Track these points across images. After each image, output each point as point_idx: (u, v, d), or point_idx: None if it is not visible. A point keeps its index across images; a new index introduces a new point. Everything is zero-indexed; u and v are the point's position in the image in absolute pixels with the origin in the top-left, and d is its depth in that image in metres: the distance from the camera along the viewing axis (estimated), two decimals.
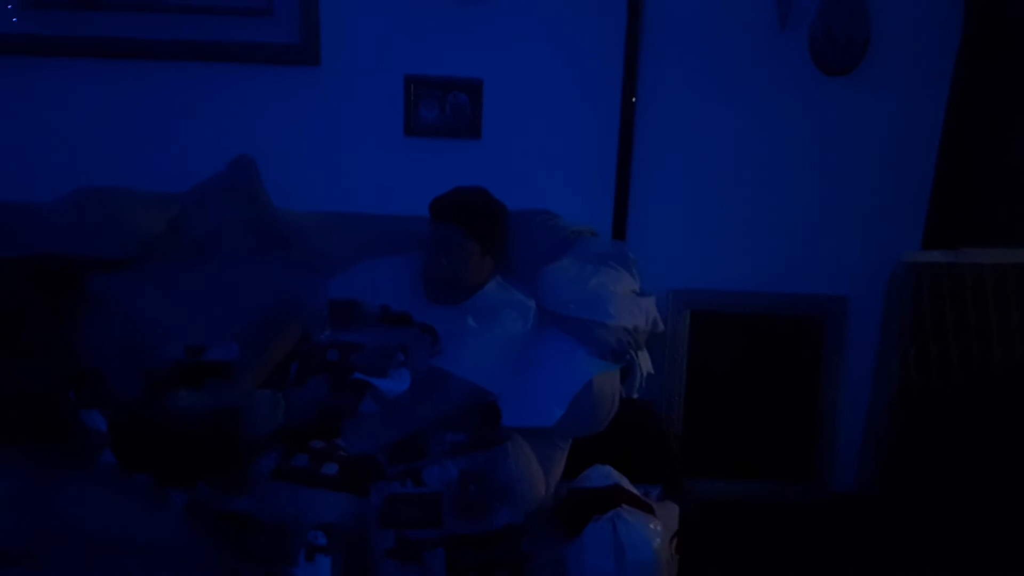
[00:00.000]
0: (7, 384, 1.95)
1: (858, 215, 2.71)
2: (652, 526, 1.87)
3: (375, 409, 2.01)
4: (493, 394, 2.00)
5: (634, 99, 2.59)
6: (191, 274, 2.33)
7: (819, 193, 2.69)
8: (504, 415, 1.97)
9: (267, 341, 2.15)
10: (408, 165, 2.66)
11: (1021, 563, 2.53)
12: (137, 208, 2.45)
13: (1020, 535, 2.61)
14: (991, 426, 2.72)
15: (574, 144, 2.66)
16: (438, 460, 1.87)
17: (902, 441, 2.75)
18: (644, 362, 2.25)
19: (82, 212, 2.41)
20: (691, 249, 2.74)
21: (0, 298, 2.17)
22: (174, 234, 2.45)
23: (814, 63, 2.57)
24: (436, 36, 2.59)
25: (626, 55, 2.56)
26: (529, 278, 2.26)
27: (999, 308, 2.70)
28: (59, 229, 2.34)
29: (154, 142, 2.64)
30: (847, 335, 2.79)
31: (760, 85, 2.62)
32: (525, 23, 2.58)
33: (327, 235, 2.47)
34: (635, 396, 2.27)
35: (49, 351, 2.08)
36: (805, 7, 2.53)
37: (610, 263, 2.26)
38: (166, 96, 2.63)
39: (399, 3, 2.57)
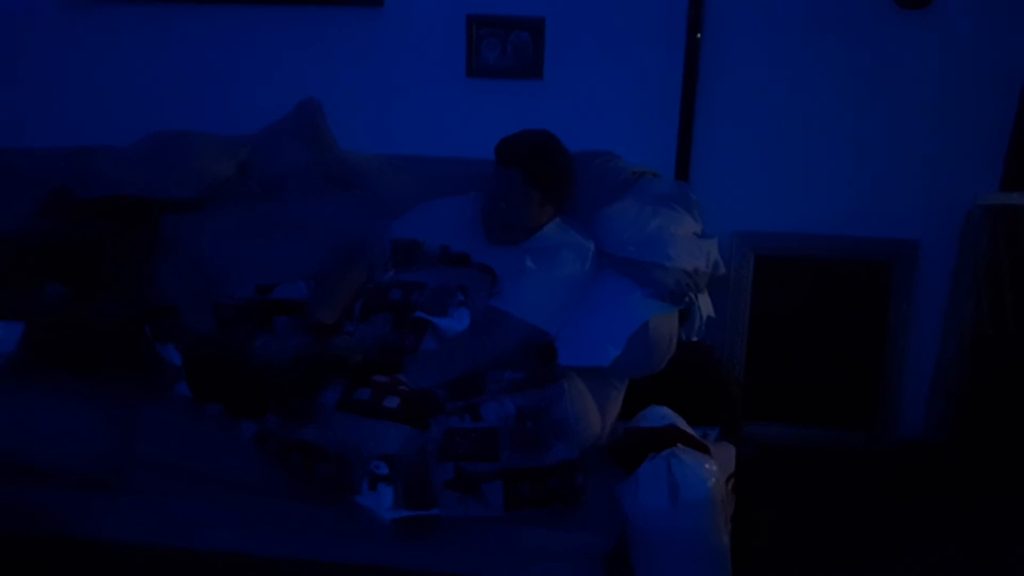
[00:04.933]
0: (89, 317, 2.05)
1: (932, 155, 2.60)
2: (707, 466, 1.87)
3: (436, 347, 2.06)
4: (550, 334, 2.02)
5: (699, 35, 2.53)
6: (260, 215, 2.40)
7: (891, 132, 2.60)
8: (560, 354, 1.99)
9: (335, 281, 2.21)
10: (470, 107, 2.67)
11: None
12: (208, 151, 2.54)
13: None
14: None
15: (637, 83, 2.61)
16: (496, 396, 1.90)
17: (974, 389, 2.68)
18: (704, 305, 2.23)
19: (156, 155, 2.50)
20: (756, 190, 2.68)
21: (81, 235, 2.28)
22: (243, 176, 2.52)
23: None
24: None
25: None
26: (589, 219, 2.26)
27: None
28: (135, 171, 2.44)
29: (222, 85, 2.70)
30: (917, 280, 2.71)
31: (831, 19, 2.51)
32: None
33: (390, 177, 2.51)
34: (695, 339, 2.26)
35: (126, 287, 2.17)
36: None
37: (671, 204, 2.24)
38: (234, 40, 2.68)
39: None
